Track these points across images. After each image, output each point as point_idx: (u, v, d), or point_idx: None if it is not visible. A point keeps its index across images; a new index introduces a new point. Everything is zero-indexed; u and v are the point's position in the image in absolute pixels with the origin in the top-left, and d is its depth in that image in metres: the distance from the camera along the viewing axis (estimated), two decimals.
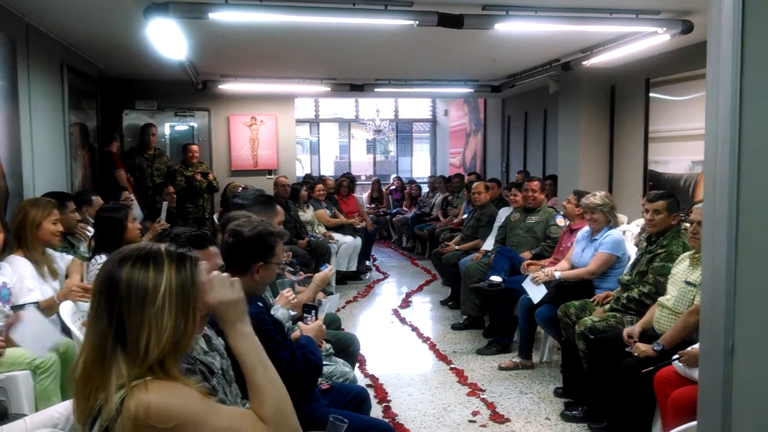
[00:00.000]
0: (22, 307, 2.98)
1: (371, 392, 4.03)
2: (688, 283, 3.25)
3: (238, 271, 2.36)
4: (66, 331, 3.09)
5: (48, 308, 3.06)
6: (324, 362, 2.87)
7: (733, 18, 1.32)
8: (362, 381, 4.09)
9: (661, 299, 3.42)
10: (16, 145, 4.18)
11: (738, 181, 1.33)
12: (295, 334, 2.78)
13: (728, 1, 1.32)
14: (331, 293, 6.62)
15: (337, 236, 7.73)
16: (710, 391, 1.43)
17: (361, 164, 15.30)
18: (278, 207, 3.99)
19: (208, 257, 1.93)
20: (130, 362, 1.31)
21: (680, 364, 2.92)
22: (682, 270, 3.36)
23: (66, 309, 3.02)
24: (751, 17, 1.29)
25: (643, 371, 3.07)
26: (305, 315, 3.01)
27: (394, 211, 11.33)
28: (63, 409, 2.29)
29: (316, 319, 2.96)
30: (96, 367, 1.31)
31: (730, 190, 1.34)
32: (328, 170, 14.62)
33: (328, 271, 3.66)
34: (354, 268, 7.95)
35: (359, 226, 8.40)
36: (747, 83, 1.31)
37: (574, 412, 3.75)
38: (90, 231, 4.22)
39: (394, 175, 13.04)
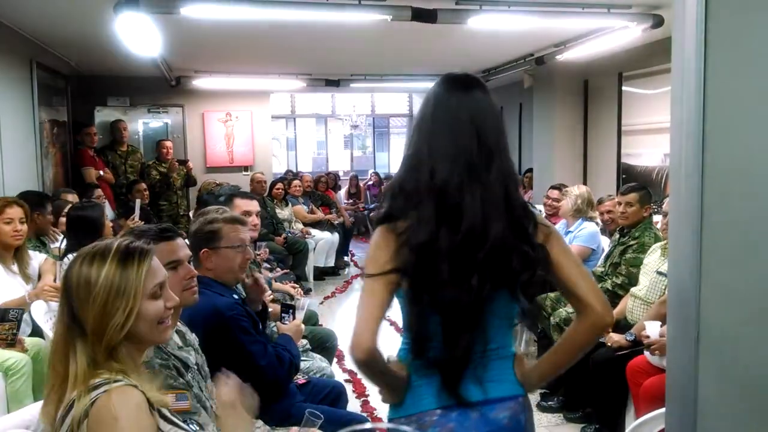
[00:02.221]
0: None
1: (349, 387, 4.03)
2: (659, 273, 3.30)
3: (197, 266, 2.35)
4: (38, 331, 3.06)
5: (17, 308, 3.01)
6: (302, 358, 2.87)
7: (696, 11, 1.34)
8: (340, 376, 4.10)
9: (633, 290, 3.48)
10: None
11: (702, 173, 1.36)
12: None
13: None
14: (309, 289, 6.64)
15: (314, 232, 7.72)
16: (678, 378, 1.46)
17: (339, 160, 15.25)
18: (237, 200, 3.76)
19: (175, 249, 1.93)
20: (90, 358, 1.34)
21: (651, 354, 2.97)
22: (653, 260, 3.41)
23: (38, 309, 2.98)
24: (715, 10, 1.32)
25: (617, 354, 3.14)
26: (283, 315, 3.00)
27: (372, 206, 11.32)
28: (35, 410, 2.25)
29: (294, 318, 2.95)
30: (61, 366, 1.35)
31: (695, 181, 1.37)
32: (306, 166, 14.55)
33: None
34: (332, 263, 7.94)
35: (337, 222, 8.40)
36: (710, 75, 1.34)
37: (550, 403, 3.80)
38: (58, 235, 4.15)
39: (371, 171, 13.03)
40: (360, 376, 1.62)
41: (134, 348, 1.42)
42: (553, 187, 5.13)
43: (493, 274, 1.38)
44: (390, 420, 1.50)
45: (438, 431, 1.42)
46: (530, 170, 7.65)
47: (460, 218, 1.36)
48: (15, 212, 3.35)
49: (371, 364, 1.39)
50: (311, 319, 3.99)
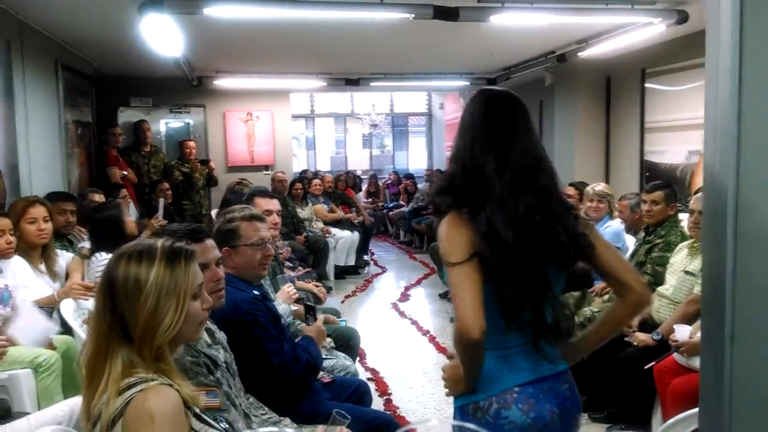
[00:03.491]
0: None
1: (372, 386, 4.04)
2: (687, 272, 3.26)
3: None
4: (67, 329, 3.10)
5: (48, 306, 3.06)
6: (325, 356, 2.88)
7: (731, 7, 1.32)
8: (363, 375, 4.11)
9: (659, 289, 3.44)
10: (12, 145, 4.17)
11: (737, 171, 1.34)
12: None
13: None
14: (330, 288, 6.66)
15: (334, 231, 7.74)
16: (711, 379, 1.44)
17: (358, 159, 15.27)
18: (258, 199, 3.77)
19: (206, 251, 1.94)
20: (132, 357, 1.35)
21: (680, 355, 2.93)
22: (680, 259, 3.37)
23: (67, 307, 3.02)
24: (750, 5, 1.30)
25: (645, 367, 3.09)
26: (307, 316, 3.02)
27: (392, 205, 11.33)
28: (66, 407, 2.29)
29: (316, 320, 2.97)
30: (99, 364, 1.36)
31: (730, 179, 1.35)
32: (324, 166, 14.59)
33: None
34: (352, 262, 7.97)
35: (357, 221, 8.41)
36: (746, 72, 1.32)
37: None
38: (84, 234, 4.21)
39: (390, 170, 13.03)
40: (454, 359, 1.66)
41: (169, 346, 1.43)
42: (571, 185, 5.08)
43: (551, 251, 1.58)
44: (465, 404, 1.63)
45: (521, 406, 1.56)
46: None
47: (519, 211, 1.55)
48: (38, 211, 3.40)
49: (482, 344, 1.48)
50: (333, 313, 3.99)
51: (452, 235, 1.56)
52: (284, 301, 3.11)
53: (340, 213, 8.30)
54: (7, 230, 3.17)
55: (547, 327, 1.59)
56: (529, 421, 1.56)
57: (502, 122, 1.66)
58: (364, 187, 11.82)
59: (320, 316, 3.08)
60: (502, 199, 1.55)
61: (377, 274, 7.98)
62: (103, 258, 3.41)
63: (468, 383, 1.60)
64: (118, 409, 1.28)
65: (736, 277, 1.35)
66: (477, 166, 1.59)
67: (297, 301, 3.27)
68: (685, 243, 3.44)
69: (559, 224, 1.58)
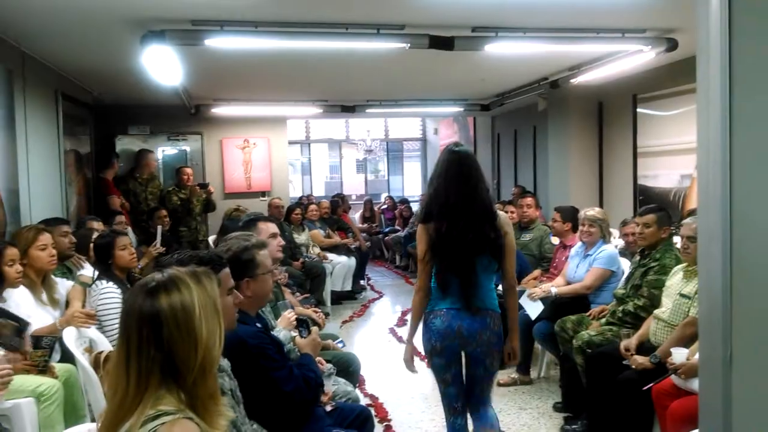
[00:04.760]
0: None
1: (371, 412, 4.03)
2: (682, 295, 3.30)
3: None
4: (68, 357, 3.10)
5: (50, 335, 3.06)
6: (329, 382, 2.89)
7: (720, 34, 1.38)
8: (362, 401, 4.10)
9: (656, 312, 3.47)
10: (13, 173, 4.21)
11: (730, 193, 1.39)
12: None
13: (715, 20, 1.39)
14: (328, 313, 6.65)
15: (331, 256, 7.76)
16: (710, 400, 1.47)
17: (353, 184, 15.34)
18: (261, 224, 3.83)
19: (225, 279, 1.97)
20: (169, 390, 1.36)
21: (678, 377, 2.96)
22: (676, 282, 3.41)
23: (69, 335, 3.03)
24: (739, 34, 1.35)
25: (643, 389, 3.11)
26: (300, 328, 3.03)
27: (387, 229, 11.37)
28: None
29: (309, 333, 2.98)
30: (124, 392, 1.35)
31: (723, 202, 1.39)
32: (319, 191, 14.66)
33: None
34: (349, 287, 7.97)
35: (353, 246, 8.44)
36: (736, 97, 1.37)
37: (573, 426, 3.78)
38: (83, 262, 4.23)
39: (385, 194, 13.09)
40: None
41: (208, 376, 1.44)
42: (557, 210, 5.14)
43: (476, 246, 2.74)
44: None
45: (442, 319, 2.80)
46: (516, 186, 8.13)
47: (459, 219, 2.72)
48: (46, 238, 3.49)
49: (424, 298, 2.85)
50: (331, 338, 3.99)
51: (420, 240, 2.81)
52: (285, 327, 3.13)
53: (336, 238, 8.33)
54: (17, 259, 3.20)
55: (471, 293, 2.76)
56: (443, 328, 2.78)
57: (453, 175, 2.76)
58: (359, 212, 11.86)
59: (314, 329, 3.09)
60: (447, 217, 2.73)
61: (374, 299, 7.98)
62: (105, 286, 3.43)
63: (414, 321, 2.93)
64: None
65: (731, 299, 1.39)
66: (439, 201, 2.77)
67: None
68: (679, 266, 3.48)
69: (482, 233, 2.72)
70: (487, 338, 2.77)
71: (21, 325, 2.80)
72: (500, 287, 2.98)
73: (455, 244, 2.69)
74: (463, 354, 2.85)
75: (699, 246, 1.54)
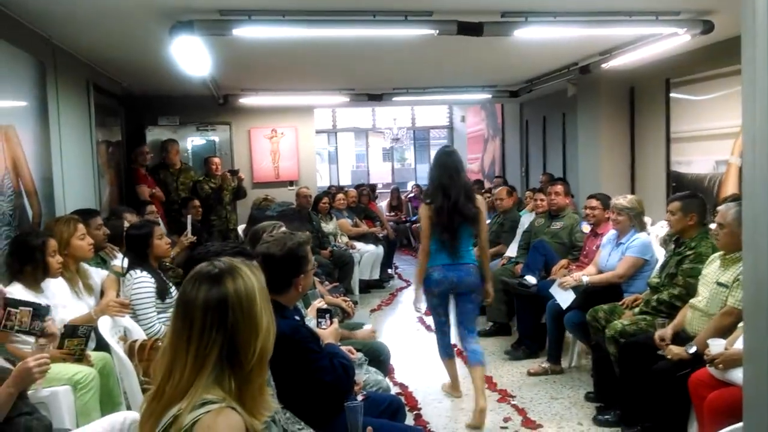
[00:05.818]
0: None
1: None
2: (719, 284, 3.22)
3: (281, 289, 2.38)
4: (103, 346, 3.15)
5: (86, 324, 3.11)
6: (358, 372, 2.89)
7: (767, 15, 1.32)
8: (392, 390, 4.10)
9: (692, 301, 3.40)
10: (47, 165, 4.27)
11: None
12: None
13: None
14: (356, 302, 6.67)
15: (359, 245, 7.77)
16: (756, 392, 1.42)
17: (379, 173, 15.33)
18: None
19: None
20: (225, 376, 1.38)
21: (716, 369, 2.89)
22: (713, 271, 3.33)
23: (104, 324, 3.07)
24: None
25: (679, 374, 3.05)
26: (319, 320, 3.04)
27: (414, 218, 11.34)
28: (107, 424, 2.33)
29: (331, 323, 2.98)
30: (186, 378, 1.36)
31: None
32: (346, 180, 14.67)
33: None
34: (377, 276, 7.99)
35: (380, 235, 8.44)
36: None
37: (606, 417, 3.74)
38: (116, 252, 4.29)
39: (412, 183, 13.05)
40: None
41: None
42: (591, 197, 5.05)
43: (460, 217, 3.83)
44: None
45: (438, 273, 3.90)
46: (544, 174, 8.08)
47: (449, 198, 3.81)
48: (83, 227, 3.55)
49: (425, 257, 3.93)
50: (356, 327, 4.00)
51: (422, 216, 3.95)
52: (313, 317, 3.14)
53: (364, 227, 8.33)
54: (57, 250, 3.27)
55: (456, 249, 3.88)
56: (439, 278, 3.90)
57: (443, 165, 3.93)
58: (386, 200, 11.84)
59: (334, 321, 3.09)
60: (441, 198, 3.84)
61: (402, 288, 7.99)
62: (138, 275, 3.47)
63: (419, 272, 4.04)
64: (186, 427, 1.30)
65: None
66: (434, 186, 3.93)
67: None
68: (716, 254, 3.40)
69: (464, 208, 3.82)
70: (470, 282, 3.94)
71: (36, 309, 2.78)
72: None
73: (446, 216, 3.80)
74: (452, 297, 4.02)
75: (743, 232, 1.49)
